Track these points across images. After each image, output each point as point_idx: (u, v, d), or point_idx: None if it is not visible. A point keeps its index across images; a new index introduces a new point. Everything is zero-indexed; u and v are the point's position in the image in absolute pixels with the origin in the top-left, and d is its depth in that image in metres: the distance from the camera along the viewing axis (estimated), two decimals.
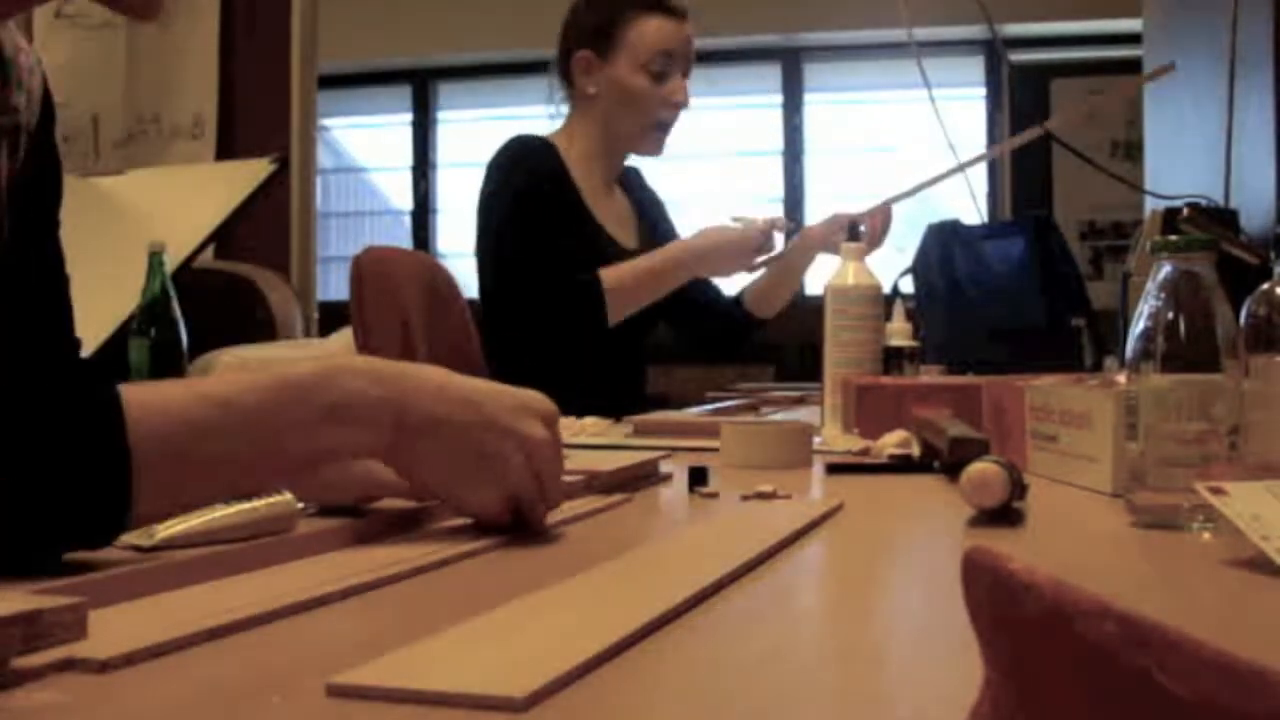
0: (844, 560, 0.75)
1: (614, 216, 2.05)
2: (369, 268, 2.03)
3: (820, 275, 1.70)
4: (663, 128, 2.02)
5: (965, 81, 5.14)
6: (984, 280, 2.25)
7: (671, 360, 2.33)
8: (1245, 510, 0.65)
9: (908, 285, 2.30)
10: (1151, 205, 2.30)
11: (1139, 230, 2.08)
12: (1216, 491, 0.68)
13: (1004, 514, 0.81)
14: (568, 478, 0.91)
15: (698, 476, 0.99)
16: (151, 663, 0.46)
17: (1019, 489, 0.82)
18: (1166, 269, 0.79)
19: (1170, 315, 0.78)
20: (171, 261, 2.60)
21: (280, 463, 0.66)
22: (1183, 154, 2.45)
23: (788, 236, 2.01)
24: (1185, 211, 1.77)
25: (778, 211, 5.35)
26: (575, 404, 1.59)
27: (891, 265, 2.21)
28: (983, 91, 5.19)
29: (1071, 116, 2.99)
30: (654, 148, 2.05)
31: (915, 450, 1.18)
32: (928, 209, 4.40)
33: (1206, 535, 0.75)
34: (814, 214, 5.29)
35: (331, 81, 4.43)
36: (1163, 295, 0.79)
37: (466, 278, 2.12)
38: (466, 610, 0.50)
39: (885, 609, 0.61)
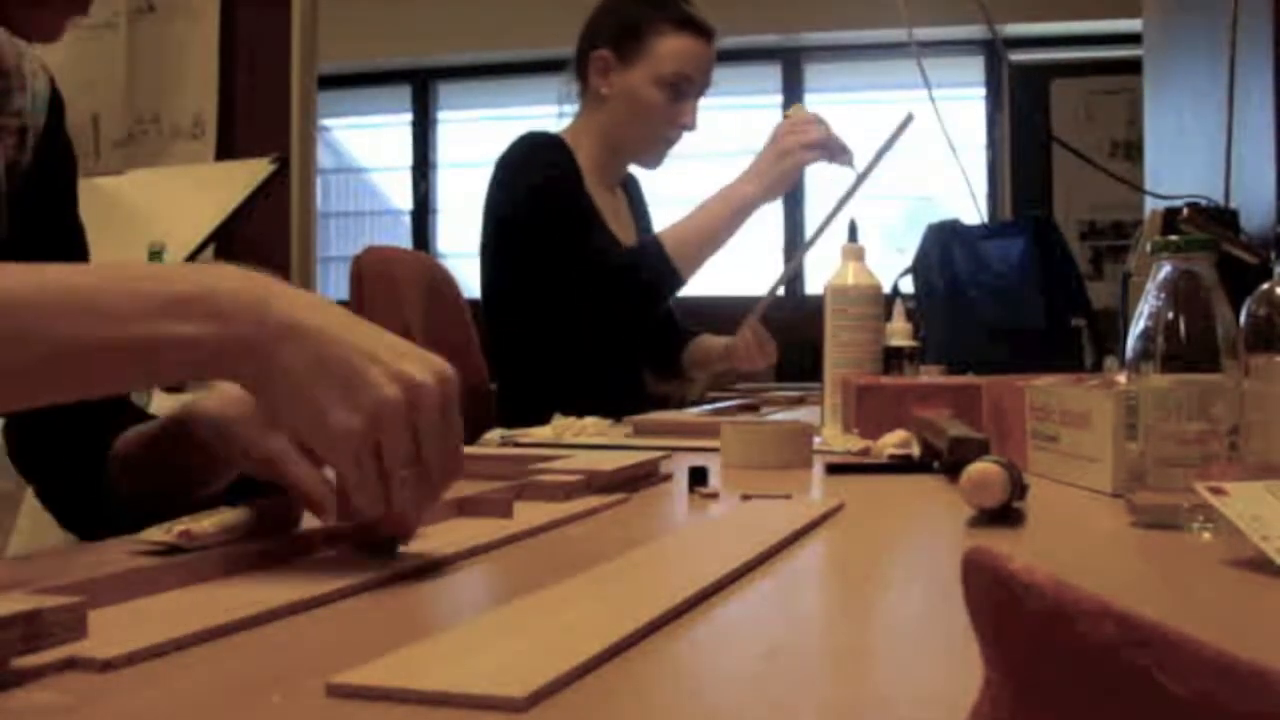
0: (844, 560, 0.75)
1: (615, 217, 2.05)
2: (369, 268, 2.03)
3: (821, 275, 1.70)
4: (666, 144, 2.02)
5: (965, 81, 5.14)
6: (984, 280, 2.25)
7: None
8: (1245, 510, 0.65)
9: (908, 285, 2.30)
10: (1151, 205, 2.30)
11: (1139, 230, 2.08)
12: (1216, 491, 0.68)
13: (1004, 514, 0.81)
14: (567, 478, 0.91)
15: (698, 476, 0.99)
16: (151, 663, 0.46)
17: (1019, 489, 0.82)
18: (1166, 269, 0.79)
19: (1170, 315, 0.78)
20: (171, 261, 2.60)
21: (107, 346, 0.60)
22: (1183, 154, 2.45)
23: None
24: (1185, 211, 1.77)
25: (778, 211, 5.35)
26: (575, 404, 1.59)
27: (891, 265, 2.21)
28: (983, 91, 5.18)
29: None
30: (652, 162, 2.06)
31: (915, 450, 1.18)
32: (928, 209, 4.41)
33: (1206, 535, 0.75)
34: (814, 214, 5.29)
35: (331, 81, 4.43)
36: (1163, 295, 0.79)
37: (466, 278, 2.12)
38: (466, 610, 0.50)
39: (885, 609, 0.61)
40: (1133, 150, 4.38)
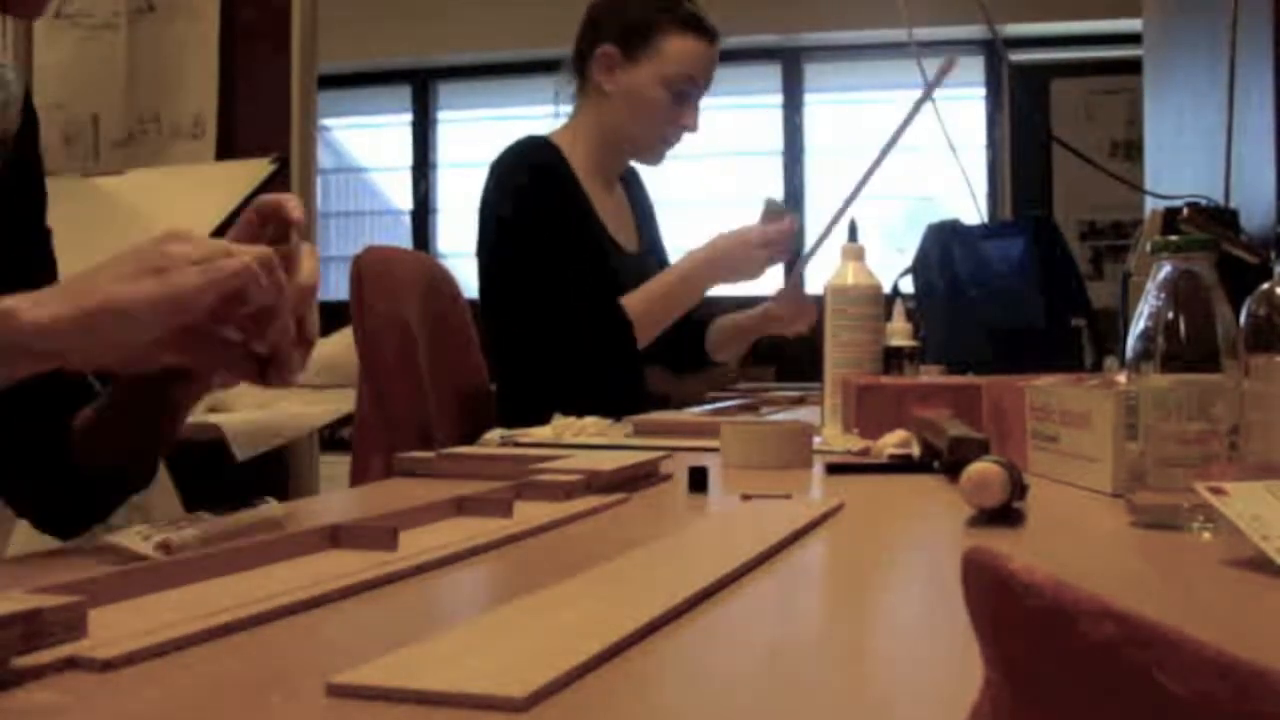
0: (844, 560, 0.75)
1: (615, 216, 2.05)
2: (369, 268, 2.03)
3: (821, 275, 1.70)
4: (665, 144, 2.02)
5: (965, 81, 5.14)
6: (984, 280, 2.25)
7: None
8: (1245, 510, 0.65)
9: (908, 285, 2.30)
10: (1151, 205, 2.30)
11: (1139, 230, 2.08)
12: (1216, 491, 0.68)
13: (1004, 514, 0.81)
14: (567, 478, 0.91)
15: (698, 477, 0.99)
16: (151, 662, 0.46)
17: (1019, 489, 0.82)
18: (1166, 269, 0.79)
19: (1170, 315, 0.78)
20: None
21: None
22: (1183, 154, 2.45)
23: (798, 258, 1.97)
24: (1185, 211, 1.76)
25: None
26: (575, 404, 1.59)
27: (891, 265, 2.21)
28: (983, 91, 5.19)
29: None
30: (652, 159, 2.06)
31: (915, 450, 1.18)
32: (928, 209, 4.41)
33: (1206, 535, 0.75)
34: (814, 214, 5.29)
35: (331, 81, 4.43)
36: (1163, 295, 0.79)
37: (466, 278, 2.12)
38: (466, 610, 0.50)
39: (885, 609, 0.61)
40: (1133, 150, 4.38)
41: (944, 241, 2.32)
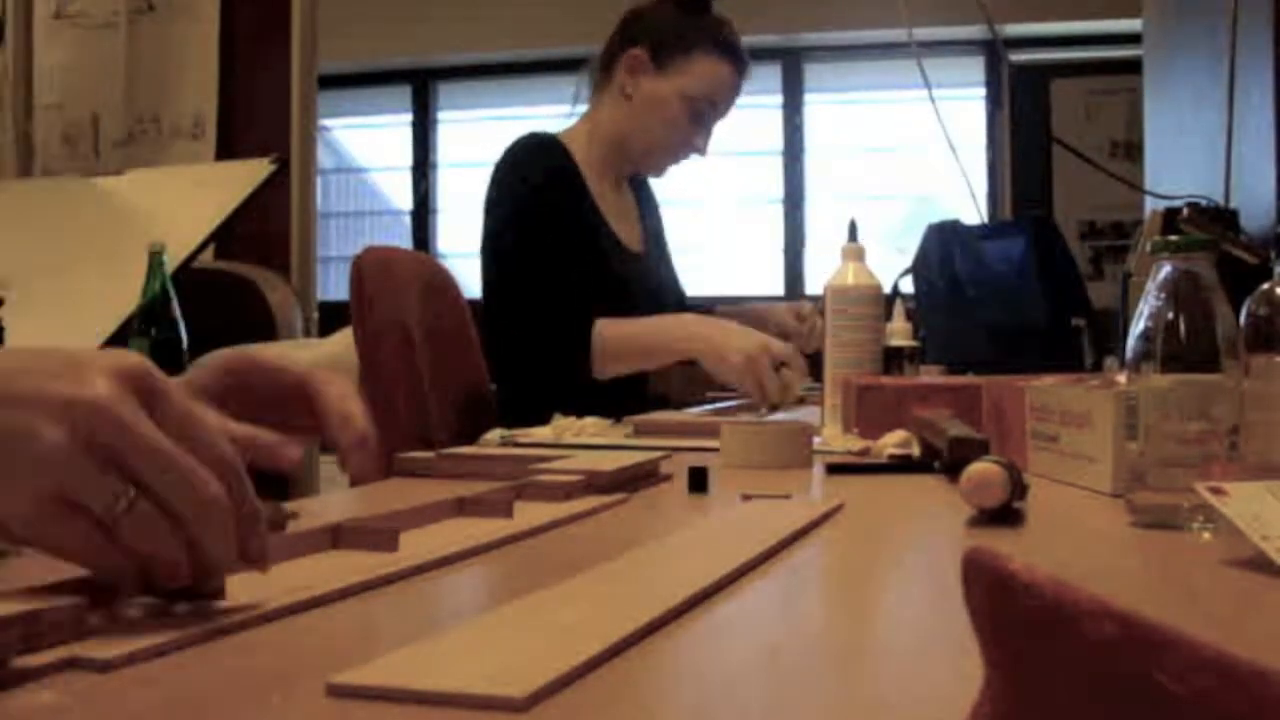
0: (844, 560, 0.75)
1: (621, 216, 2.05)
2: (369, 268, 2.03)
3: (821, 275, 1.70)
4: (672, 160, 2.01)
5: (965, 81, 5.14)
6: (984, 280, 2.25)
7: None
8: (1245, 510, 0.65)
9: (908, 285, 2.30)
10: (1151, 205, 2.30)
11: (1139, 230, 2.08)
12: (1216, 491, 0.68)
13: (1004, 514, 0.81)
14: (567, 478, 0.91)
15: (698, 477, 0.99)
16: (151, 662, 0.46)
17: (1019, 489, 0.82)
18: (1166, 269, 0.79)
19: (1170, 315, 0.78)
20: (171, 261, 2.60)
21: None
22: (1183, 154, 2.45)
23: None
24: (1185, 211, 1.76)
25: (778, 211, 5.35)
26: (575, 404, 1.59)
27: (891, 265, 2.21)
28: (983, 91, 5.18)
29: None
30: (655, 171, 2.05)
31: (915, 450, 1.18)
32: (928, 209, 4.41)
33: (1206, 535, 0.75)
34: (814, 214, 5.29)
35: (331, 81, 4.43)
36: (1163, 295, 0.79)
37: (466, 278, 2.12)
38: (466, 610, 0.50)
39: (885, 609, 0.61)
40: (1133, 150, 4.38)
41: (944, 241, 2.32)
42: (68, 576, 0.53)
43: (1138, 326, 0.79)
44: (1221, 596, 0.63)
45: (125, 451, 0.45)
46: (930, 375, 1.79)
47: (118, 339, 2.49)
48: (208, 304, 2.59)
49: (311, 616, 0.54)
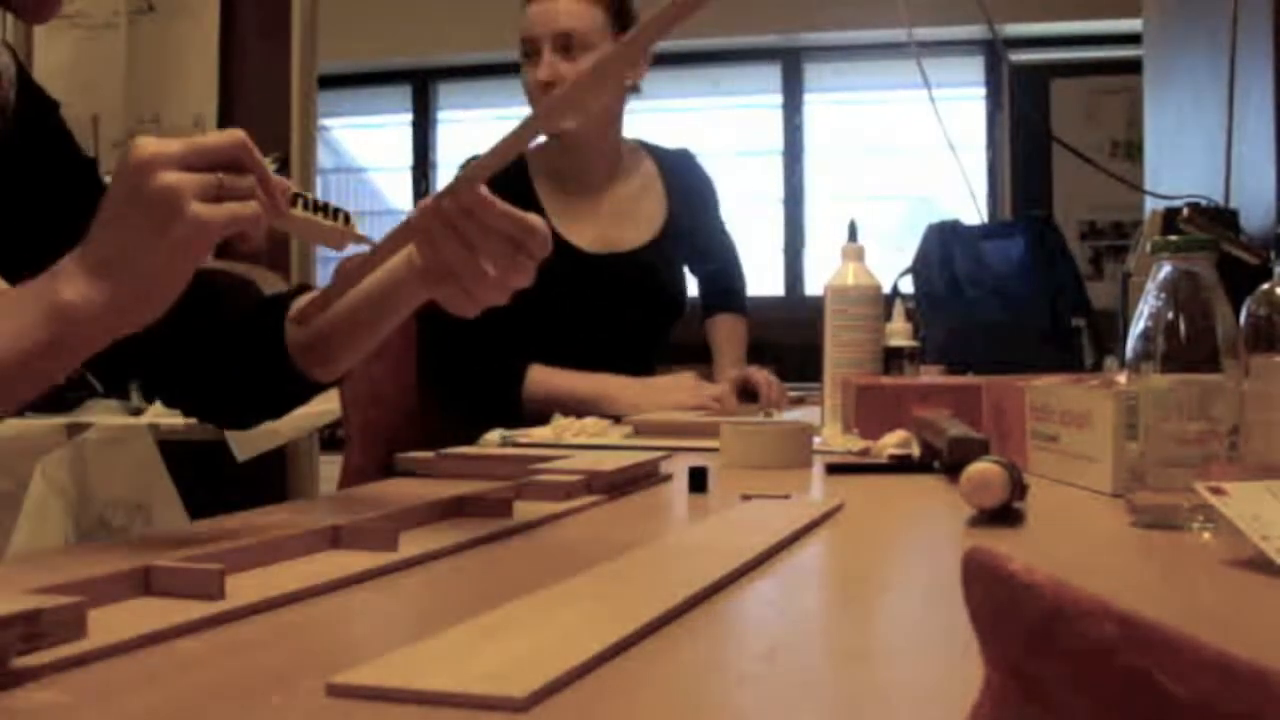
0: (844, 560, 0.75)
1: (592, 220, 1.98)
2: None
3: (821, 275, 1.70)
4: (541, 106, 1.92)
5: (965, 81, 5.13)
6: (984, 280, 2.25)
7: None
8: (1245, 510, 0.65)
9: (908, 285, 2.30)
10: (1151, 205, 2.30)
11: (1139, 230, 2.08)
12: (1216, 491, 0.68)
13: (1004, 514, 0.81)
14: (567, 478, 0.91)
15: (698, 477, 0.99)
16: (151, 662, 0.46)
17: (1019, 489, 0.82)
18: (1166, 269, 0.79)
19: (1170, 315, 0.78)
20: None
21: None
22: (1183, 154, 2.45)
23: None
24: (1185, 211, 1.77)
25: (778, 211, 5.35)
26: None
27: (891, 265, 2.21)
28: (983, 91, 5.18)
29: None
30: (552, 126, 1.88)
31: (915, 450, 1.18)
32: (928, 209, 4.41)
33: (1206, 535, 0.75)
34: (814, 214, 5.29)
35: (331, 81, 4.43)
36: (1163, 295, 0.79)
37: None
38: (466, 610, 0.50)
39: (885, 609, 0.61)
40: (1133, 150, 4.38)
41: (944, 241, 2.32)
42: (68, 577, 0.53)
43: (1138, 326, 0.79)
44: (1221, 596, 0.63)
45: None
46: (930, 375, 1.79)
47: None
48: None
49: (311, 616, 0.54)
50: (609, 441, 1.39)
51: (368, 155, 5.89)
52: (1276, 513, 0.65)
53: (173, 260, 0.70)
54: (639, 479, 1.02)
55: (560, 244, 1.94)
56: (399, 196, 5.82)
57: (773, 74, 5.37)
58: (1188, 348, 0.78)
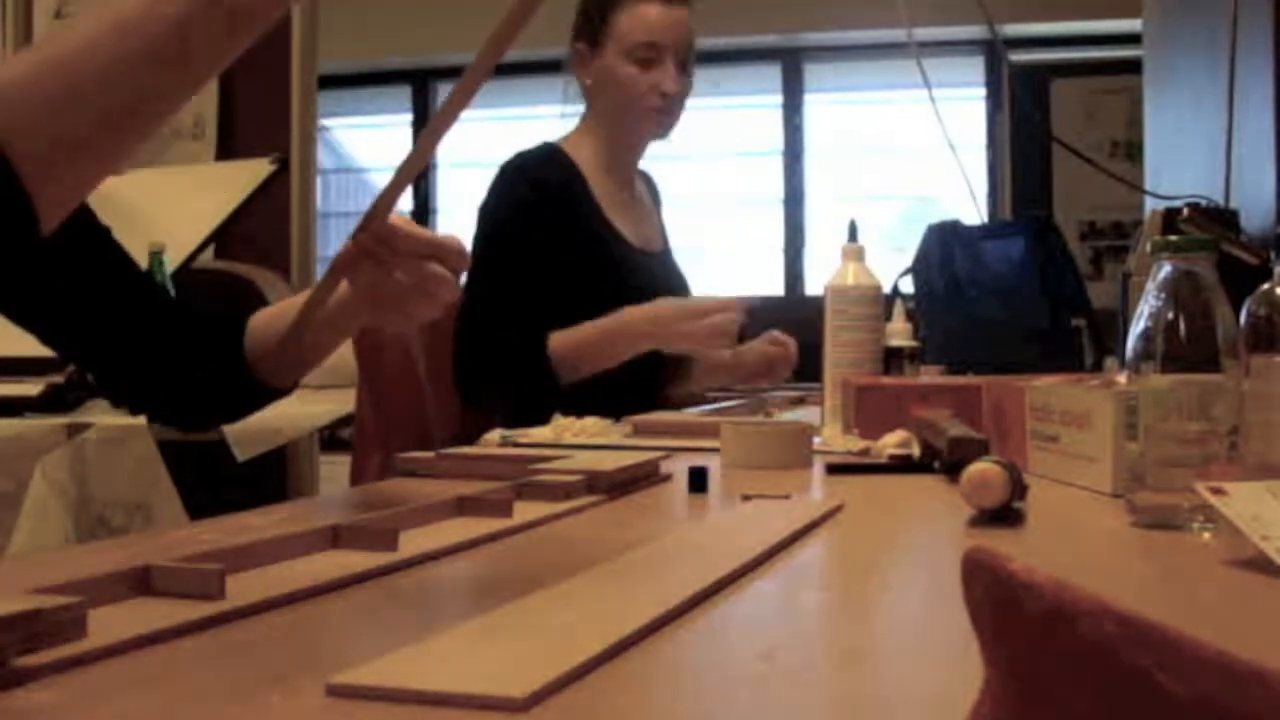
0: (844, 560, 0.75)
1: (632, 215, 2.02)
2: None
3: (821, 275, 1.70)
4: (657, 114, 1.97)
5: (965, 81, 5.14)
6: (984, 280, 2.25)
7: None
8: (1245, 510, 0.65)
9: (908, 285, 2.30)
10: (1151, 205, 2.30)
11: (1139, 230, 2.08)
12: (1216, 491, 0.68)
13: (1004, 514, 0.81)
14: (567, 478, 0.91)
15: (698, 477, 0.99)
16: (151, 662, 0.46)
17: (1019, 489, 0.82)
18: (1166, 269, 0.79)
19: (1170, 315, 0.78)
20: (171, 261, 2.60)
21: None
22: (1183, 154, 2.45)
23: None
24: (1185, 211, 1.77)
25: (778, 211, 5.35)
26: (576, 404, 1.59)
27: (891, 265, 2.21)
28: (983, 91, 5.18)
29: None
30: (654, 131, 1.97)
31: (915, 450, 1.18)
32: (928, 209, 4.41)
33: (1206, 535, 0.75)
34: (814, 214, 5.29)
35: (331, 81, 4.43)
36: (1163, 295, 0.79)
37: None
38: (467, 610, 0.50)
39: (885, 609, 0.61)
40: (1133, 150, 4.38)
41: (944, 241, 2.32)
42: (68, 577, 0.53)
43: (1138, 326, 0.79)
44: (1221, 596, 0.63)
45: None
46: (930, 375, 1.79)
47: None
48: (208, 304, 2.58)
49: (311, 616, 0.54)
50: (609, 441, 1.39)
51: (368, 155, 5.89)
52: (1276, 513, 0.65)
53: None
54: (639, 479, 1.02)
55: (624, 244, 1.95)
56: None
57: (773, 74, 5.37)
58: (1188, 348, 0.78)
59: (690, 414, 1.70)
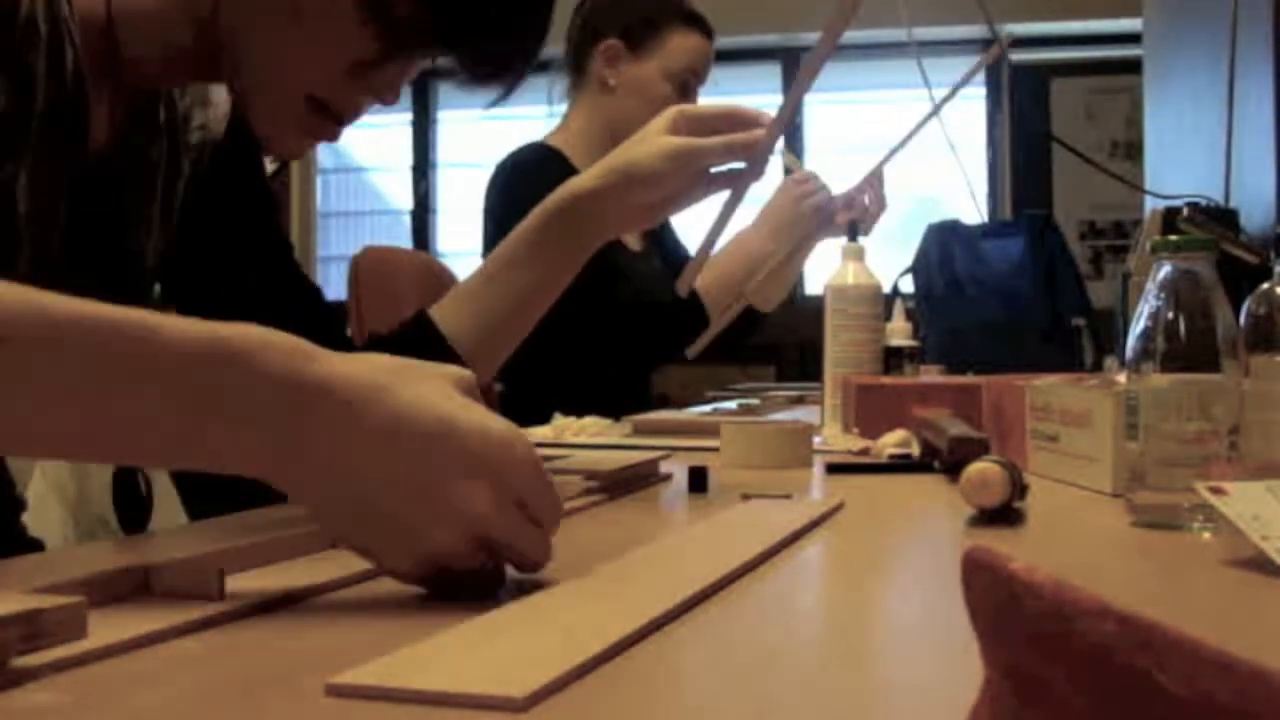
0: (844, 560, 0.75)
1: None
2: (369, 268, 2.03)
3: (820, 275, 1.70)
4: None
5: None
6: (984, 280, 2.25)
7: (671, 360, 2.33)
8: (1245, 510, 0.65)
9: (908, 285, 2.30)
10: (1151, 205, 2.30)
11: (1139, 230, 2.08)
12: (1216, 491, 0.68)
13: (1004, 514, 0.81)
14: (567, 478, 0.91)
15: (698, 477, 0.99)
16: (151, 662, 0.46)
17: (1019, 489, 0.82)
18: (1166, 269, 0.79)
19: (1170, 315, 0.78)
20: None
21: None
22: (1183, 154, 2.45)
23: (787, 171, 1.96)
24: (1185, 211, 1.77)
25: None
26: (577, 403, 1.59)
27: (891, 265, 2.21)
28: (983, 91, 5.18)
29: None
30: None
31: (915, 450, 1.18)
32: (928, 209, 4.41)
33: (1206, 535, 0.75)
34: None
35: None
36: (1163, 295, 0.79)
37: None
38: (467, 610, 0.50)
39: (885, 609, 0.61)
40: (1133, 150, 4.38)
41: (944, 241, 2.33)
42: (67, 577, 0.53)
43: (1138, 326, 0.79)
44: (1221, 596, 0.63)
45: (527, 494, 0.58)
46: (930, 375, 1.79)
47: None
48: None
49: (311, 616, 0.54)
50: (609, 441, 1.39)
51: (368, 155, 5.89)
52: (1276, 513, 0.65)
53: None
54: (639, 479, 1.02)
55: (618, 244, 1.96)
56: (399, 196, 5.81)
57: (773, 74, 5.37)
58: (1188, 348, 0.78)
59: (690, 414, 1.70)
